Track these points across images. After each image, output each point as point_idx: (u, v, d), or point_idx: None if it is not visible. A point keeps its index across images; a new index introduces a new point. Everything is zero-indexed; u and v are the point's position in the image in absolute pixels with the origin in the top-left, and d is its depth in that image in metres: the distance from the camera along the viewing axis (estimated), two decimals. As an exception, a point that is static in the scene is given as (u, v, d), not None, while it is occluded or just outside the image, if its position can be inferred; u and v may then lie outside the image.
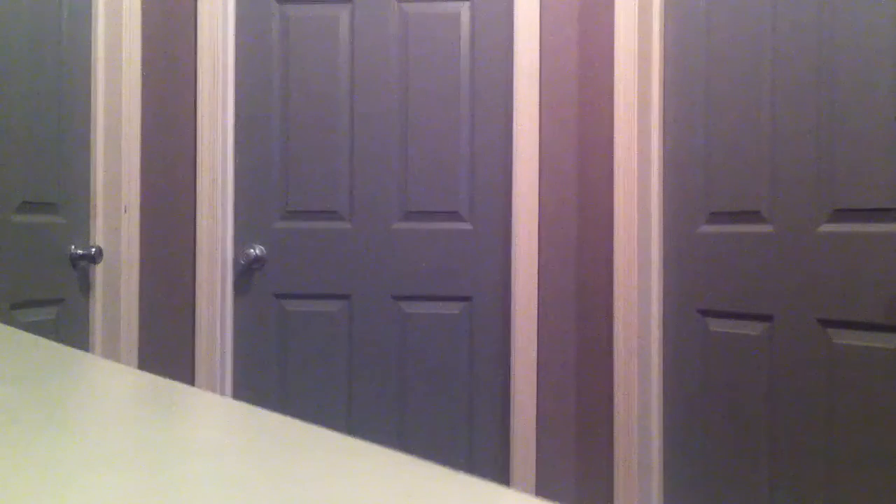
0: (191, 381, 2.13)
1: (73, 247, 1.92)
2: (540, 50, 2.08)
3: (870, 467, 1.50)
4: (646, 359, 1.95)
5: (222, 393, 2.14)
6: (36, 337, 0.81)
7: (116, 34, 2.03)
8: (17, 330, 0.86)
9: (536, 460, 2.07)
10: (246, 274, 2.17)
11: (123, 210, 2.04)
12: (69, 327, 1.92)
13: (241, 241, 2.17)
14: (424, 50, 2.15)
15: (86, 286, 1.98)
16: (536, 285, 2.07)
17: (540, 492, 2.08)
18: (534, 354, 2.07)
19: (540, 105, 2.08)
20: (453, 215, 2.14)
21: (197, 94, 2.12)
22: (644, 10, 1.96)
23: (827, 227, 1.59)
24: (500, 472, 2.12)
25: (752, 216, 1.74)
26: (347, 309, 2.16)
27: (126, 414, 0.48)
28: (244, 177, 2.17)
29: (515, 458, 2.08)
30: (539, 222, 2.08)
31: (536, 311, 2.07)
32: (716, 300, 1.81)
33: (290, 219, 2.17)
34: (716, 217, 1.82)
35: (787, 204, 1.66)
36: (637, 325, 1.94)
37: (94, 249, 1.93)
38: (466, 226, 2.14)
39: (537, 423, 2.08)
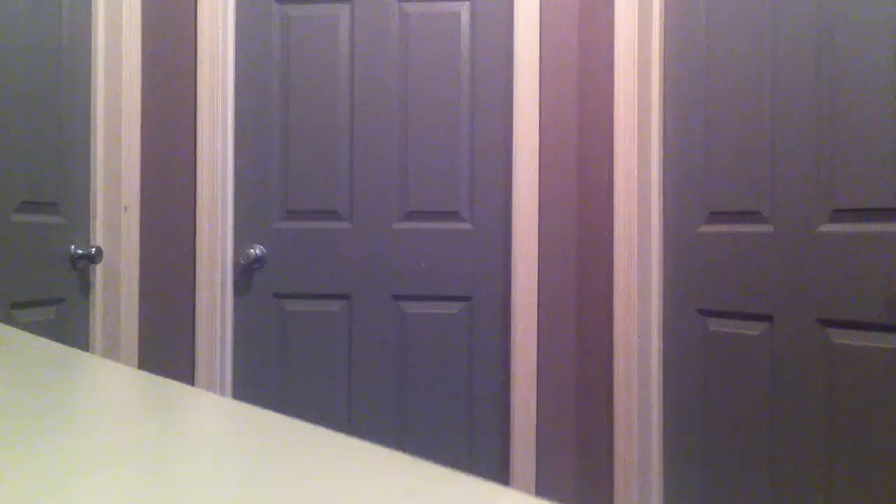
0: (191, 381, 2.13)
1: (73, 247, 1.92)
2: (540, 50, 2.08)
3: (870, 467, 1.50)
4: (646, 358, 1.95)
5: (222, 393, 2.14)
6: (36, 337, 0.81)
7: (116, 34, 2.03)
8: (17, 330, 0.86)
9: (536, 460, 2.07)
10: (246, 274, 2.17)
11: (123, 210, 2.04)
12: (69, 327, 1.92)
13: (241, 241, 2.17)
14: (424, 50, 2.15)
15: (86, 286, 1.98)
16: (536, 285, 2.07)
17: (540, 492, 2.08)
18: (534, 354, 2.07)
19: (540, 104, 2.08)
20: (453, 215, 2.14)
21: (197, 94, 2.12)
22: (644, 9, 1.96)
23: (827, 227, 1.59)
24: (500, 472, 2.12)
25: (752, 216, 1.74)
26: (347, 309, 2.16)
27: (126, 414, 0.48)
28: (244, 177, 2.17)
29: (515, 458, 2.08)
30: (539, 222, 2.08)
31: (536, 311, 2.07)
32: (716, 300, 1.81)
33: (290, 219, 2.17)
34: (716, 217, 1.82)
35: (787, 204, 1.66)
36: (637, 325, 1.94)
37: (94, 249, 1.93)
38: (466, 226, 2.14)
39: (537, 423, 2.08)
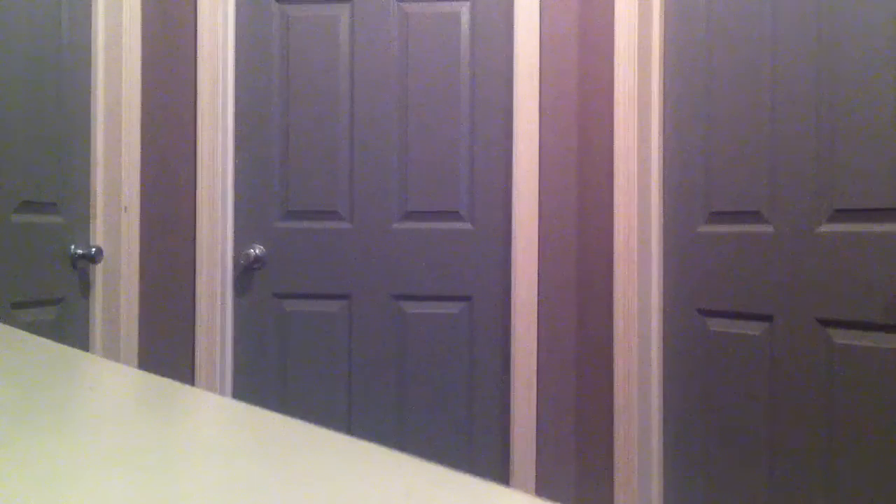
0: (191, 381, 2.13)
1: (73, 247, 1.92)
2: (540, 50, 2.08)
3: (870, 467, 1.50)
4: (646, 359, 1.95)
5: (222, 393, 2.14)
6: (36, 337, 0.81)
7: (116, 34, 2.03)
8: (17, 330, 0.86)
9: (536, 460, 2.07)
10: (246, 274, 2.17)
11: (123, 210, 2.04)
12: (69, 327, 1.92)
13: (241, 241, 2.17)
14: (424, 50, 2.15)
15: (86, 286, 1.98)
16: (536, 285, 2.07)
17: (540, 492, 2.08)
18: (534, 354, 2.07)
19: (540, 105, 2.08)
20: (453, 215, 2.14)
21: (197, 94, 2.12)
22: (644, 9, 1.96)
23: (827, 227, 1.59)
24: (500, 472, 2.12)
25: (752, 216, 1.74)
26: (347, 309, 2.16)
27: (126, 414, 0.48)
28: (244, 177, 2.17)
29: (515, 458, 2.08)
30: (539, 222, 2.08)
31: (536, 311, 2.07)
32: (716, 300, 1.81)
33: (290, 219, 2.17)
34: (716, 217, 1.82)
35: (787, 204, 1.66)
36: (637, 325, 1.94)
37: (94, 249, 1.93)
38: (466, 226, 2.14)
39: (537, 423, 2.08)
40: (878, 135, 1.50)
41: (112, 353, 2.03)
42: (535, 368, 2.07)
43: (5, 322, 1.66)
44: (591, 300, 2.05)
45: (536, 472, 2.07)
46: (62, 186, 1.88)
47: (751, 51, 1.75)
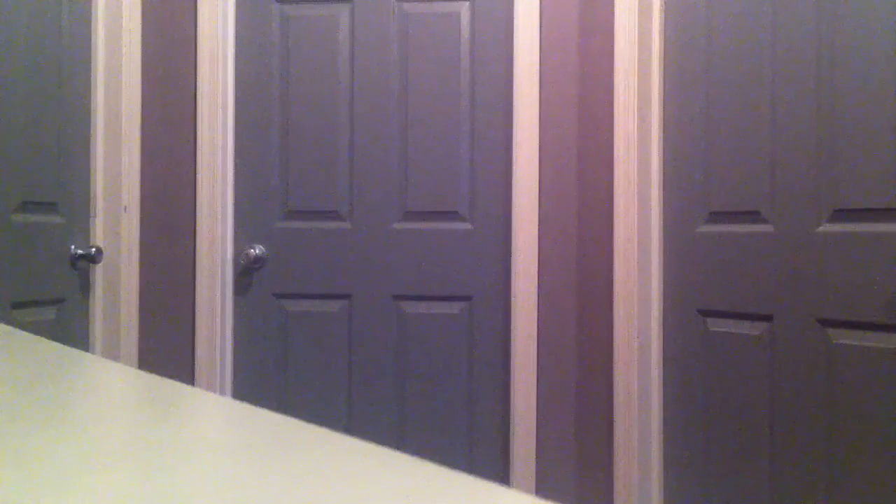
0: (191, 381, 2.13)
1: (73, 247, 1.92)
2: (540, 50, 2.08)
3: (870, 467, 1.50)
4: (646, 359, 1.95)
5: (222, 393, 2.14)
6: (36, 337, 0.81)
7: (116, 34, 2.03)
8: (17, 330, 0.86)
9: (536, 460, 2.07)
10: (246, 274, 2.17)
11: (123, 210, 2.04)
12: (69, 327, 1.92)
13: (241, 241, 2.17)
14: (424, 50, 2.15)
15: (86, 286, 1.98)
16: (536, 285, 2.07)
17: (540, 492, 2.08)
18: (534, 354, 2.07)
19: (540, 105, 2.08)
20: (453, 215, 2.14)
21: (197, 94, 2.12)
22: (644, 10, 1.96)
23: (827, 227, 1.59)
24: (500, 472, 2.12)
25: (752, 216, 1.74)
26: (347, 309, 2.16)
27: (126, 414, 0.48)
28: (244, 177, 2.17)
29: (515, 458, 2.08)
30: (539, 222, 2.08)
31: (536, 311, 2.07)
32: (716, 300, 1.81)
33: (290, 219, 2.17)
34: (716, 217, 1.82)
35: (787, 204, 1.66)
36: (637, 325, 1.94)
37: (94, 249, 1.93)
38: (466, 226, 2.14)
39: (537, 423, 2.08)
40: (878, 135, 1.50)
41: (112, 353, 2.03)
42: (535, 368, 2.07)
43: (5, 322, 1.66)
44: (591, 300, 2.05)
45: (536, 472, 2.07)
46: (62, 186, 1.88)
47: (751, 51, 1.75)
